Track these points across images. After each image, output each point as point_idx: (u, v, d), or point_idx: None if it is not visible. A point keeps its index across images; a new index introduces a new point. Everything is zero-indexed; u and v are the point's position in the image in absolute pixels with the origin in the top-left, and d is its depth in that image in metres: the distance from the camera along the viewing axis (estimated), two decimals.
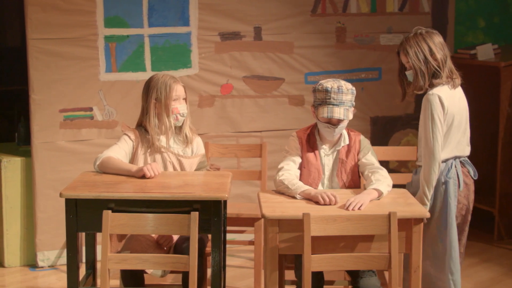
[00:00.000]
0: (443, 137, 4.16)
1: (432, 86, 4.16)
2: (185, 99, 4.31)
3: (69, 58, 5.53)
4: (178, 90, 4.28)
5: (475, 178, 4.30)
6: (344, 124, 4.04)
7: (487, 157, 6.54)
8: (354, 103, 4.05)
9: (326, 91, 3.98)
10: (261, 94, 6.01)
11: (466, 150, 4.31)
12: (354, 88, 4.04)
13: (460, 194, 4.23)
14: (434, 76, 4.15)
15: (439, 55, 4.13)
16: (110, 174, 4.15)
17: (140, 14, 5.66)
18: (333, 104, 3.98)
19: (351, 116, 4.03)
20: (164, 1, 5.69)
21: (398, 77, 4.33)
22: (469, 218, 4.36)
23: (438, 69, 4.13)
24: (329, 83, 4.00)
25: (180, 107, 4.27)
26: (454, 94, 4.19)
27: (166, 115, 4.25)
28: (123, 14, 5.62)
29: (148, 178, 4.06)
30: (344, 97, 3.98)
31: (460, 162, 4.27)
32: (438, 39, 4.17)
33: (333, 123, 4.00)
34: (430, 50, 4.12)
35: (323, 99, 4.00)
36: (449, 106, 4.13)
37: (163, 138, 4.30)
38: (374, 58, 6.26)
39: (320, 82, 4.05)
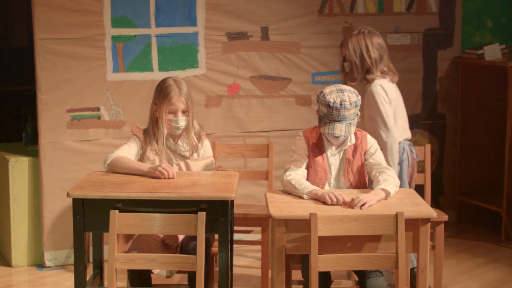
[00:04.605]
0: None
1: (367, 80, 4.68)
2: (186, 112, 4.27)
3: (77, 58, 5.54)
4: (175, 104, 4.22)
5: (417, 160, 4.84)
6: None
7: (495, 157, 6.54)
8: (359, 113, 4.02)
9: (328, 106, 3.92)
10: (268, 94, 6.01)
11: (409, 134, 4.85)
12: (359, 99, 3.98)
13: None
14: (368, 72, 4.65)
15: (374, 54, 4.63)
16: (120, 173, 4.15)
17: (147, 14, 5.66)
18: (335, 121, 3.94)
19: (353, 130, 4.01)
20: (171, 1, 5.69)
21: (341, 66, 4.78)
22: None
23: (371, 66, 4.65)
24: (332, 97, 3.93)
25: (174, 119, 4.23)
26: (392, 86, 4.74)
27: (160, 122, 4.25)
28: (131, 14, 5.63)
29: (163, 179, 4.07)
30: (347, 112, 3.92)
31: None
32: (377, 40, 4.69)
33: (335, 135, 3.99)
34: (367, 48, 4.61)
35: (325, 113, 3.96)
36: (391, 94, 4.67)
37: (171, 141, 4.31)
38: None
39: (324, 92, 3.97)
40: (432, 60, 6.40)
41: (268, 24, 5.95)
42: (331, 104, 3.92)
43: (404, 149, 4.73)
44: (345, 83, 4.64)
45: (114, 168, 4.18)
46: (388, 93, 4.65)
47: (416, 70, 6.36)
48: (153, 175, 4.09)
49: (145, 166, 4.14)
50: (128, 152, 4.23)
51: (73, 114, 5.60)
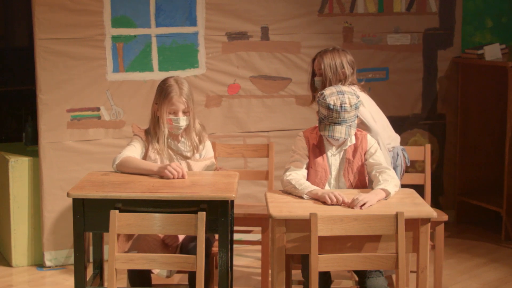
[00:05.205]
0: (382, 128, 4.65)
1: None
2: (187, 112, 4.27)
3: (77, 58, 5.54)
4: (175, 104, 4.22)
5: (408, 165, 4.87)
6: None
7: (495, 157, 6.54)
8: (358, 115, 4.03)
9: (329, 108, 3.93)
10: (268, 94, 6.01)
11: (397, 140, 4.84)
12: (359, 100, 3.99)
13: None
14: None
15: (347, 71, 4.66)
16: (129, 173, 4.14)
17: (148, 14, 5.66)
18: (335, 123, 3.95)
19: (353, 132, 4.02)
20: (171, 1, 5.69)
21: (310, 81, 4.81)
22: None
23: (342, 81, 4.65)
24: (332, 99, 3.94)
25: (175, 119, 4.24)
26: (363, 93, 4.66)
27: (161, 121, 4.25)
28: (131, 14, 5.63)
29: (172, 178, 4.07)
30: (347, 115, 3.93)
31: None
32: (350, 57, 4.73)
33: (335, 138, 3.99)
34: (342, 65, 4.65)
35: (325, 116, 3.96)
36: (363, 98, 4.51)
37: (172, 141, 4.31)
38: (381, 58, 6.25)
39: (324, 94, 3.99)
40: (432, 60, 6.40)
41: (268, 24, 5.95)
42: (331, 107, 3.92)
43: (398, 155, 4.74)
44: (313, 99, 4.77)
45: (123, 169, 4.17)
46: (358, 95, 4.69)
47: (416, 70, 6.36)
48: (162, 174, 4.08)
49: (154, 166, 4.13)
50: (135, 152, 4.23)
51: (73, 114, 5.60)
